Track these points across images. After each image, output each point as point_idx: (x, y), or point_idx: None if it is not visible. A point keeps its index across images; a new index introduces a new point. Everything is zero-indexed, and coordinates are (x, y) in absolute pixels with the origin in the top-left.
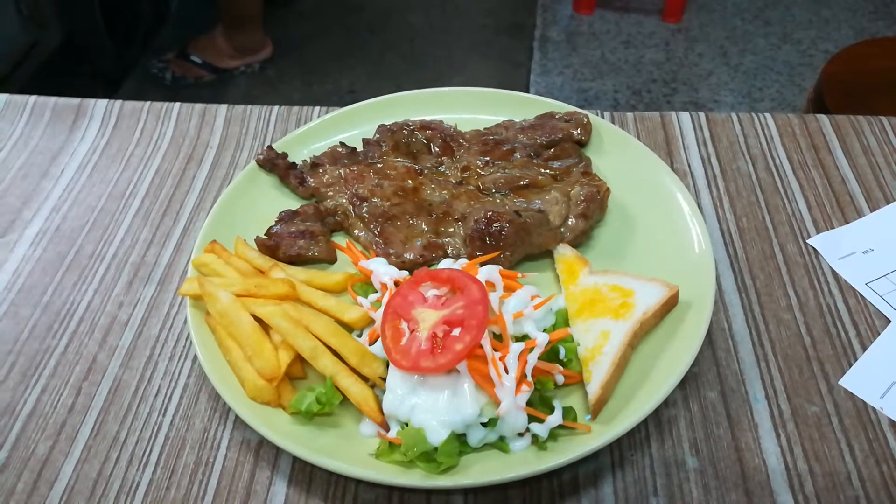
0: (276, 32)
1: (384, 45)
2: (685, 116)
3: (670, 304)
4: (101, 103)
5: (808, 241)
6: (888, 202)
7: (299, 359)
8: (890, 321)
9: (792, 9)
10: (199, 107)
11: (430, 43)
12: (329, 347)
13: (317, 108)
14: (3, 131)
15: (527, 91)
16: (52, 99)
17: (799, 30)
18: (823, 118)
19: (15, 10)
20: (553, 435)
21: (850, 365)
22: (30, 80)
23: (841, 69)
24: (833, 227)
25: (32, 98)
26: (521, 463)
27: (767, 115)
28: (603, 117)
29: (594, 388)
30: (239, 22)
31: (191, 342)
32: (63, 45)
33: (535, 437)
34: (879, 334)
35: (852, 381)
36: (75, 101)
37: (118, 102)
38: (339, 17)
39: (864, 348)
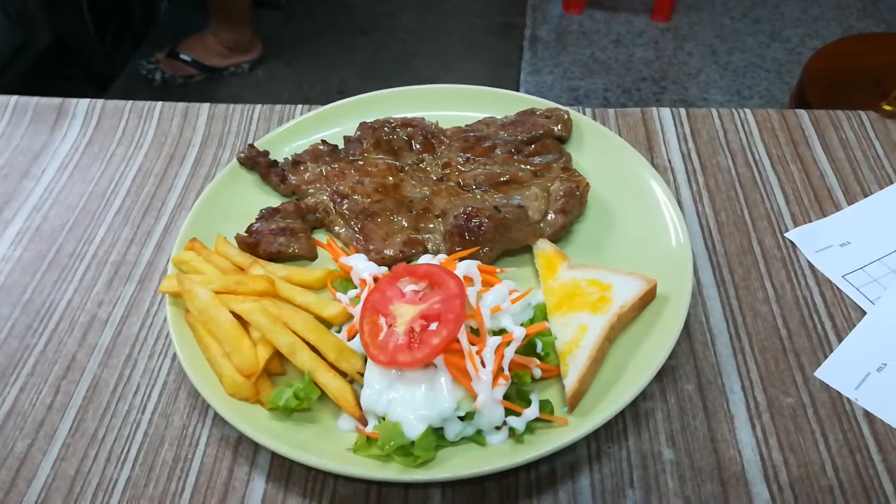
0: (266, 33)
1: (375, 45)
2: (666, 112)
3: (648, 297)
4: (84, 103)
5: (785, 234)
6: (865, 196)
7: (278, 355)
8: (866, 313)
9: (780, 7)
10: (181, 105)
11: (420, 43)
12: (308, 343)
13: (299, 107)
14: None
15: (517, 90)
16: (34, 99)
17: (787, 28)
18: (803, 113)
19: (1, 11)
20: (530, 428)
21: (826, 356)
22: (18, 81)
23: (823, 65)
24: (811, 221)
25: (14, 98)
26: (499, 456)
27: (747, 111)
28: (584, 114)
29: (571, 381)
30: (228, 19)
31: (170, 340)
32: (52, 47)
33: (512, 431)
34: (855, 326)
35: (828, 372)
36: (57, 100)
37: (100, 102)
38: (330, 18)
39: (840, 340)
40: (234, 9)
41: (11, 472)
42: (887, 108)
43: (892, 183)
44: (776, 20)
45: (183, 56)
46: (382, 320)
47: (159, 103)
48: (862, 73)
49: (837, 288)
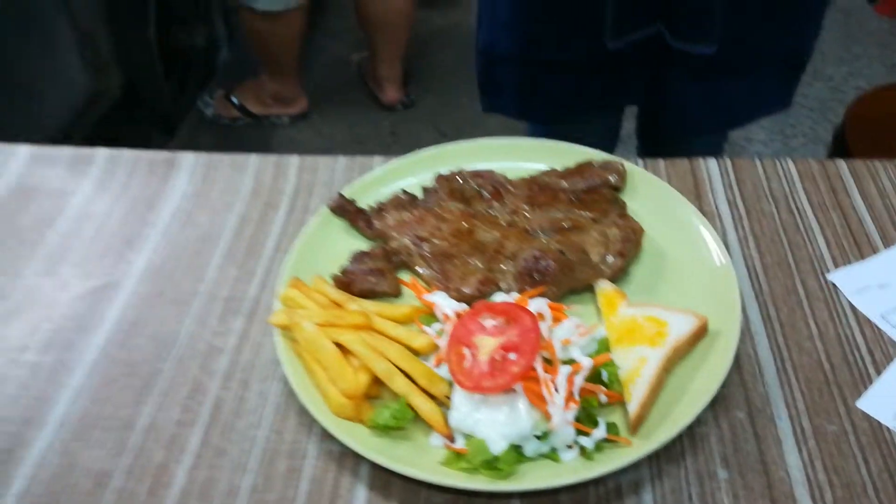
0: (318, 75)
1: (420, 86)
2: (712, 162)
3: (700, 333)
4: (190, 156)
5: (827, 276)
6: None
7: (375, 380)
8: None
9: (822, 46)
10: (273, 158)
11: (464, 82)
12: (401, 370)
13: (376, 158)
14: (106, 182)
15: None
16: (148, 152)
17: (830, 66)
18: (842, 163)
19: (79, 58)
20: (598, 447)
21: (866, 388)
22: (92, 125)
23: (864, 111)
24: (850, 264)
25: (129, 151)
26: (571, 471)
27: (789, 160)
28: (636, 164)
29: (633, 406)
30: (274, 72)
31: (278, 367)
32: (124, 93)
33: (582, 449)
34: (893, 361)
35: (868, 403)
36: (168, 154)
37: (204, 155)
38: None
39: (879, 374)
40: (280, 63)
41: (152, 479)
42: None
43: None
44: (818, 59)
45: (234, 99)
46: (467, 351)
47: (253, 156)
48: None
49: (876, 326)
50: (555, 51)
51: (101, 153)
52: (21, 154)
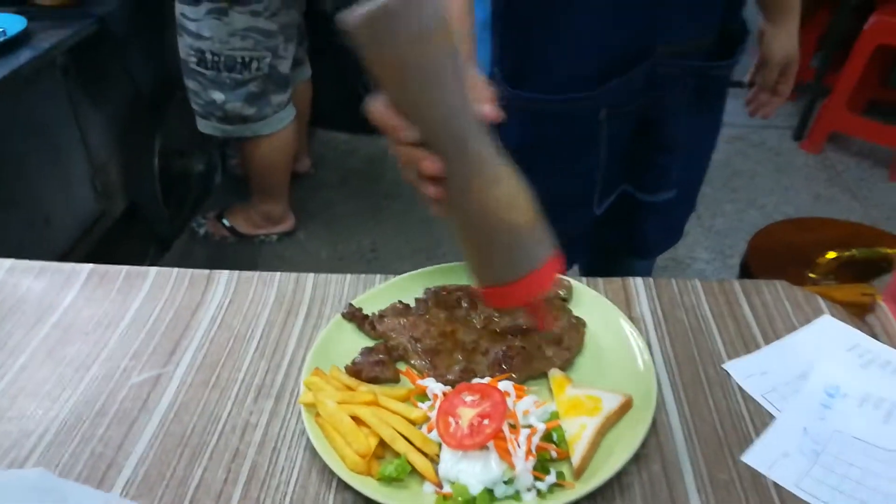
0: (304, 199)
1: (400, 208)
2: (639, 281)
3: (626, 407)
4: (225, 273)
5: (722, 366)
6: (778, 338)
7: (381, 443)
8: (775, 418)
9: (755, 178)
10: (293, 275)
11: None
12: (402, 435)
13: (378, 276)
14: (156, 293)
15: None
16: (189, 270)
17: (762, 196)
18: (735, 283)
19: (91, 187)
20: (550, 490)
21: (749, 447)
22: (94, 244)
23: (762, 242)
24: (739, 357)
25: (175, 270)
26: None
27: (697, 281)
28: (581, 281)
29: (576, 460)
30: (265, 194)
31: (302, 437)
32: (125, 214)
33: (538, 491)
34: (768, 426)
35: (750, 457)
36: (206, 271)
37: (236, 273)
38: (360, 186)
39: (758, 436)
40: (274, 185)
41: None
42: (812, 275)
43: (795, 330)
44: (752, 190)
45: (224, 221)
46: (451, 419)
47: (277, 274)
48: (793, 249)
49: (758, 402)
50: (552, 224)
51: (153, 271)
52: (83, 272)
